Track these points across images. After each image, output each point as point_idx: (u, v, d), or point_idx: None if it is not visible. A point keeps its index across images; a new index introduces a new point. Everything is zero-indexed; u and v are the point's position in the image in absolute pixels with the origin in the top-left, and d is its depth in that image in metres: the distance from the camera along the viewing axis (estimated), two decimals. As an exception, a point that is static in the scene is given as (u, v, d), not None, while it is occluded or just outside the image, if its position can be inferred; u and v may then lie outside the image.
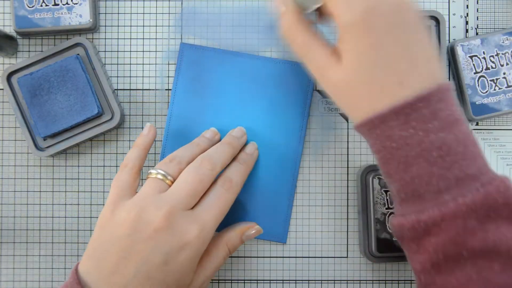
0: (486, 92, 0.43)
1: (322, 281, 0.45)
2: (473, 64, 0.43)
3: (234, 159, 0.41)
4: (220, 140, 0.43)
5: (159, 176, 0.36)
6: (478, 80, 0.43)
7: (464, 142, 0.31)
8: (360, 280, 0.45)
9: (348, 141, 0.45)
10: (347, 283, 0.45)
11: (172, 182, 0.37)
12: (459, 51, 0.44)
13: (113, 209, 0.35)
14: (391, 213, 0.42)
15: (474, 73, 0.43)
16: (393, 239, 0.41)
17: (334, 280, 0.45)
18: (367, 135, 0.33)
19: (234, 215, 0.43)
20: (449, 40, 0.45)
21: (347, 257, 0.45)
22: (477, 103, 0.44)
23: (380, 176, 0.42)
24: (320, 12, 0.36)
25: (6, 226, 0.45)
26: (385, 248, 0.42)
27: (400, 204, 0.33)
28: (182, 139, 0.44)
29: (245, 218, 0.44)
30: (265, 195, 0.44)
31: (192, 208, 0.36)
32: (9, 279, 0.45)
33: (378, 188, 0.42)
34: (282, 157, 0.44)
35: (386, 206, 0.42)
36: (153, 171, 0.37)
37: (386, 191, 0.42)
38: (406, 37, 0.31)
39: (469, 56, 0.43)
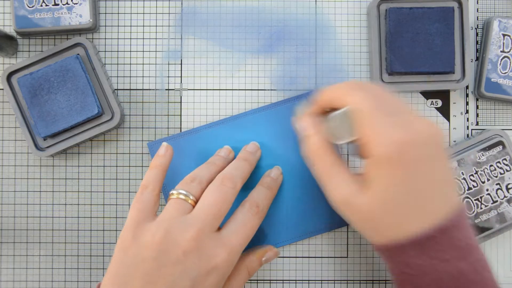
0: (505, 73, 0.44)
1: (322, 281, 0.45)
2: (503, 43, 0.44)
3: (259, 182, 0.41)
4: (234, 157, 0.42)
5: (181, 197, 0.35)
6: (501, 59, 0.44)
7: (478, 270, 0.32)
8: (360, 280, 0.45)
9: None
10: (347, 283, 0.45)
11: (195, 202, 0.36)
12: (495, 25, 0.44)
13: (135, 231, 0.34)
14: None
15: (501, 51, 0.44)
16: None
17: (334, 280, 0.45)
18: (385, 258, 0.35)
19: (287, 221, 0.43)
20: (462, 24, 0.44)
21: (347, 257, 0.45)
22: (492, 80, 0.44)
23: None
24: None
25: (6, 226, 0.45)
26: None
27: None
28: None
29: (300, 219, 0.44)
30: (312, 193, 0.44)
31: (218, 230, 0.35)
32: (9, 279, 0.45)
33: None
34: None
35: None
36: (174, 191, 0.36)
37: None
38: (434, 167, 0.32)
39: (502, 34, 0.44)
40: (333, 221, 0.44)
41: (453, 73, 0.44)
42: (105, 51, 0.46)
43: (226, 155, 0.42)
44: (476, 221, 0.43)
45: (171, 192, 0.36)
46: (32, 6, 0.43)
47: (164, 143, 0.40)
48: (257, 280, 0.45)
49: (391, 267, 0.35)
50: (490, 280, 0.32)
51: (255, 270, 0.39)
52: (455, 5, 0.44)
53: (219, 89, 0.46)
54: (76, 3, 0.43)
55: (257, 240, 0.43)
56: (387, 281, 0.45)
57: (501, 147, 0.43)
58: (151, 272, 0.33)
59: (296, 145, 0.44)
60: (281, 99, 0.45)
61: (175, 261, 0.33)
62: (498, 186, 0.43)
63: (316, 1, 0.46)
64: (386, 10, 0.43)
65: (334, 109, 0.36)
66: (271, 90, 0.46)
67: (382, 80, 0.44)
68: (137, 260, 0.33)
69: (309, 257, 0.45)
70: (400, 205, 0.32)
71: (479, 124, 0.46)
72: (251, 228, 0.36)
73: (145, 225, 0.34)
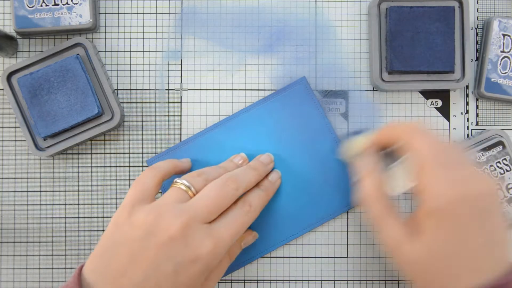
0: (505, 73, 0.44)
1: (322, 281, 0.45)
2: (503, 43, 0.44)
3: (256, 184, 0.41)
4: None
5: (183, 187, 0.36)
6: (501, 59, 0.44)
7: None
8: (360, 280, 0.45)
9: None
10: (347, 283, 0.45)
11: (195, 195, 0.36)
12: (495, 25, 0.44)
13: (131, 211, 0.35)
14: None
15: (501, 51, 0.44)
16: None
17: (334, 280, 0.45)
18: None
19: (289, 216, 0.44)
20: (462, 24, 0.44)
21: (347, 257, 0.45)
22: (492, 80, 0.44)
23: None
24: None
25: (6, 226, 0.45)
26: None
27: None
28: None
29: (302, 211, 0.44)
30: (314, 180, 0.44)
31: (209, 223, 0.36)
32: (9, 279, 0.45)
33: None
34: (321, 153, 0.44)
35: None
36: (178, 180, 0.37)
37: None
38: (488, 223, 0.32)
39: (502, 34, 0.44)
40: (332, 209, 0.44)
41: (453, 72, 0.44)
42: (105, 51, 0.46)
43: (239, 163, 0.42)
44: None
45: (175, 180, 0.37)
46: (32, 6, 0.43)
47: (188, 159, 0.43)
48: (257, 280, 0.45)
49: None
50: None
51: (236, 254, 0.40)
52: (455, 4, 0.44)
53: (219, 89, 0.46)
54: (76, 3, 0.43)
55: (260, 240, 0.44)
56: (386, 281, 0.45)
57: (501, 147, 0.43)
58: (136, 252, 0.33)
59: (290, 138, 0.44)
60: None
61: (161, 245, 0.33)
62: (498, 186, 0.43)
63: (316, 1, 0.46)
64: (386, 8, 0.44)
65: (389, 148, 0.37)
66: (271, 90, 0.45)
67: (382, 79, 0.44)
68: (126, 238, 0.34)
69: (309, 257, 0.45)
70: (447, 259, 0.32)
71: (479, 124, 0.46)
72: (241, 224, 0.37)
73: (141, 206, 0.35)
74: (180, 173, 0.41)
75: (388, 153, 0.39)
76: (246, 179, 0.38)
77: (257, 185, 0.41)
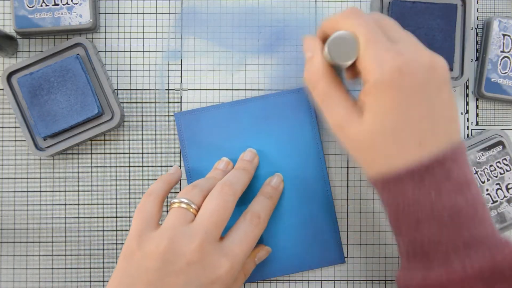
0: (505, 73, 0.44)
1: (322, 281, 0.45)
2: (503, 43, 0.44)
3: (259, 191, 0.41)
4: (233, 167, 0.42)
5: (183, 206, 0.36)
6: (501, 59, 0.44)
7: (474, 205, 0.31)
8: (360, 280, 0.45)
9: (348, 141, 0.45)
10: (347, 283, 0.45)
11: (197, 211, 0.36)
12: (495, 25, 0.44)
13: (139, 240, 0.34)
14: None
15: (501, 51, 0.44)
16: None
17: (334, 280, 0.45)
18: (380, 189, 0.34)
19: (283, 252, 0.43)
20: (464, 22, 0.44)
21: (347, 257, 0.45)
22: (492, 80, 0.44)
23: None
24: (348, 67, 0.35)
25: (6, 226, 0.45)
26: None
27: (408, 260, 0.33)
28: None
29: (296, 252, 0.43)
30: (309, 225, 0.43)
31: (221, 239, 0.36)
32: (9, 279, 0.45)
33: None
34: (310, 183, 0.44)
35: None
36: (176, 200, 0.36)
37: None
38: (431, 97, 0.31)
39: (502, 34, 0.44)
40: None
41: (452, 70, 0.44)
42: (105, 51, 0.46)
43: (225, 168, 0.42)
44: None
45: (172, 201, 0.37)
46: (32, 6, 0.43)
47: (175, 166, 0.42)
48: (257, 280, 0.45)
49: (384, 199, 0.34)
50: (486, 218, 0.32)
51: (250, 270, 0.40)
52: (458, 2, 0.44)
53: (219, 89, 0.46)
54: (76, 3, 0.43)
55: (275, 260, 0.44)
56: (386, 281, 0.45)
57: (501, 147, 0.43)
58: (154, 282, 0.33)
59: (275, 139, 0.43)
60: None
61: (179, 271, 0.33)
62: (498, 186, 0.43)
63: (316, 1, 0.46)
64: (389, 2, 0.44)
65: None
66: (271, 90, 0.46)
67: None
68: (140, 269, 0.33)
69: (309, 257, 0.45)
70: (389, 134, 0.31)
71: (479, 124, 0.46)
72: (252, 238, 0.37)
73: (148, 234, 0.35)
74: (175, 184, 0.41)
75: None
76: (239, 182, 0.38)
77: (260, 192, 0.41)
